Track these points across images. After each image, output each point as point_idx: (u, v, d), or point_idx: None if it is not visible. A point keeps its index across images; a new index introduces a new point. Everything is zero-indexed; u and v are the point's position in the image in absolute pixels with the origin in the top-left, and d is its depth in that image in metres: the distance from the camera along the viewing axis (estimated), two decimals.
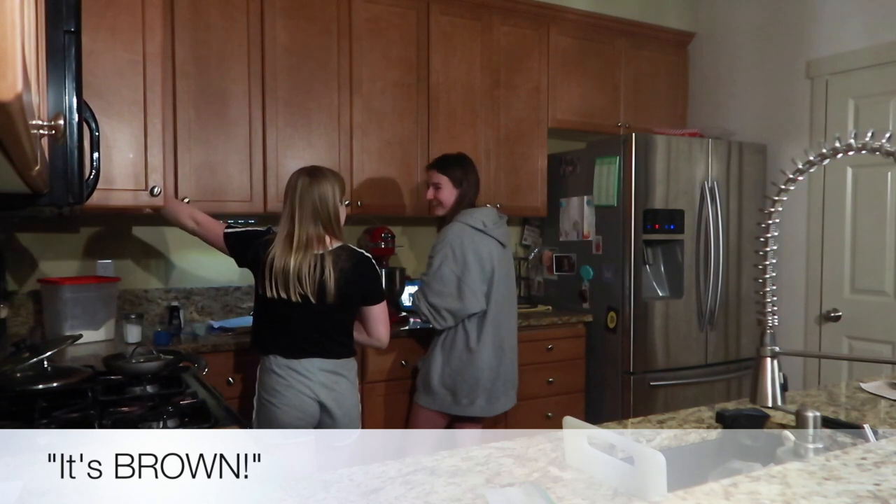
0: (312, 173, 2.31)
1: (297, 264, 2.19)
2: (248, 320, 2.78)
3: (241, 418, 1.61)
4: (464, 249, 2.66)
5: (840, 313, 3.48)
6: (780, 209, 1.18)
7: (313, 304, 2.21)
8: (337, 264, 2.22)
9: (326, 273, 2.20)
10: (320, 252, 2.22)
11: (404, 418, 2.98)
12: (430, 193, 2.82)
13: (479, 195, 2.90)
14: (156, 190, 2.56)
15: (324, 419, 2.29)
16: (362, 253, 2.34)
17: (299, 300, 2.20)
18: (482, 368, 2.71)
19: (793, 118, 3.71)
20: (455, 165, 2.80)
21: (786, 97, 3.75)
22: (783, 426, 1.43)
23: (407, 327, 3.04)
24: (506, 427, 3.26)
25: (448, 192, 2.78)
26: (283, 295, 2.19)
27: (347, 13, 3.13)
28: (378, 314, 2.37)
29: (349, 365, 2.34)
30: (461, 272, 2.66)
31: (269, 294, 2.21)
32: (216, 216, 3.00)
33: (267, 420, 2.24)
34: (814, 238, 3.60)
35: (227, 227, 2.38)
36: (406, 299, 3.23)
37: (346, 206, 3.13)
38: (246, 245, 2.31)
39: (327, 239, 2.26)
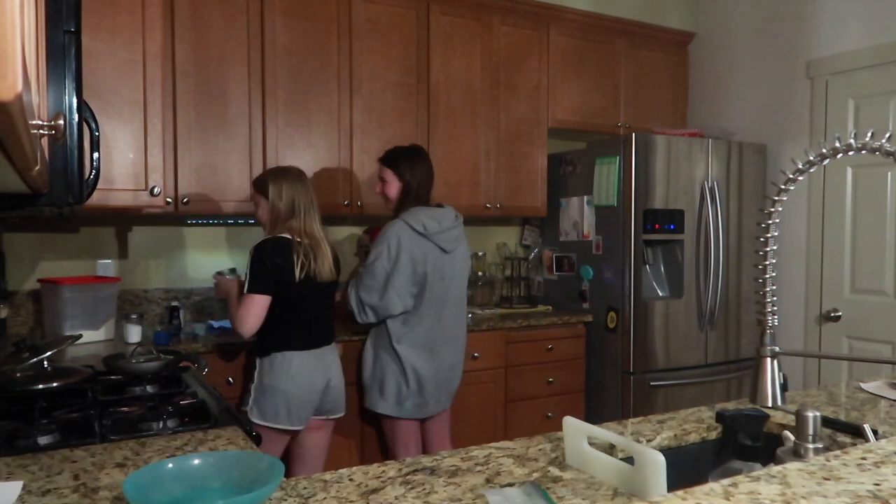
0: (303, 174, 2.51)
1: (325, 251, 2.44)
2: None
3: (242, 418, 1.61)
4: (399, 249, 2.58)
5: (840, 313, 3.48)
6: (780, 209, 1.18)
7: (331, 287, 2.50)
8: (332, 251, 2.52)
9: (332, 258, 2.49)
10: (325, 241, 2.48)
11: None
12: (378, 187, 2.76)
13: (431, 189, 2.77)
14: (156, 190, 2.57)
15: (324, 393, 2.48)
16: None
17: (323, 283, 2.44)
18: (406, 370, 2.62)
19: (793, 118, 3.71)
20: (400, 158, 2.69)
21: (786, 97, 3.75)
22: (783, 426, 1.43)
23: None
24: (505, 427, 3.27)
25: (393, 187, 2.69)
26: (322, 278, 2.42)
27: (347, 13, 3.13)
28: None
29: (336, 345, 2.61)
30: (391, 271, 2.58)
31: (300, 277, 2.35)
32: (216, 216, 3.01)
33: (273, 404, 2.35)
34: (814, 238, 3.60)
35: (249, 290, 2.34)
36: None
37: (346, 205, 3.17)
38: (277, 271, 2.34)
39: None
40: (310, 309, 2.43)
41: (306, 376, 2.39)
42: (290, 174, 2.46)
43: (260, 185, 2.45)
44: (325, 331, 2.51)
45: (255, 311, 2.32)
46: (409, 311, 2.63)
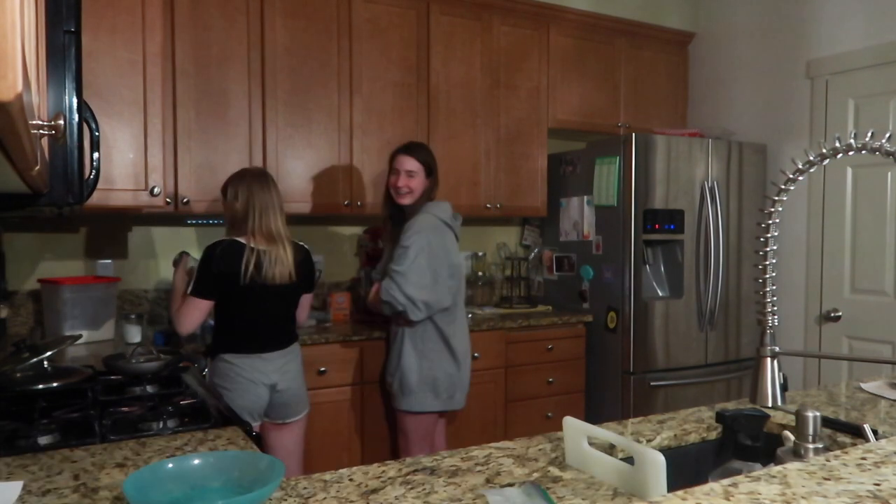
0: (263, 174, 2.49)
1: (281, 254, 2.40)
2: None
3: (242, 418, 1.61)
4: (437, 243, 2.60)
5: (840, 313, 3.48)
6: (780, 209, 1.18)
7: (287, 291, 2.46)
8: (297, 255, 2.47)
9: (292, 261, 2.43)
10: (285, 243, 2.44)
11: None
12: (403, 181, 2.67)
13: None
14: (156, 190, 2.57)
15: (272, 396, 2.45)
16: (304, 245, 2.56)
17: (277, 286, 2.40)
18: (459, 362, 2.69)
19: (793, 118, 3.71)
20: (428, 154, 2.73)
21: (786, 97, 3.75)
22: (783, 426, 1.43)
23: None
24: (505, 427, 3.27)
25: (420, 181, 2.68)
26: (276, 281, 2.38)
27: (347, 13, 3.13)
28: (308, 301, 2.65)
29: (297, 348, 2.56)
30: (436, 265, 2.60)
31: (246, 282, 2.34)
32: (216, 216, 3.01)
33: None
34: (814, 238, 3.60)
35: (192, 292, 2.34)
36: None
37: (346, 205, 3.16)
38: (221, 276, 2.33)
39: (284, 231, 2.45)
40: (258, 313, 2.40)
41: (247, 380, 2.37)
42: (247, 175, 2.45)
43: (223, 188, 2.48)
44: (278, 334, 2.46)
45: (194, 313, 2.33)
46: (451, 305, 2.68)
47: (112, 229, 3.03)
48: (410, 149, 2.71)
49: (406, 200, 2.69)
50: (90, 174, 1.49)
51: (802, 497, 0.62)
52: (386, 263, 2.68)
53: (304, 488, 1.09)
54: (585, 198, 3.63)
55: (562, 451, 1.25)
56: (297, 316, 2.58)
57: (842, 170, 3.46)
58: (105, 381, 1.84)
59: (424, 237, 2.57)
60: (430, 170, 2.70)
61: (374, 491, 1.08)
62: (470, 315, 3.39)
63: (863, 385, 1.77)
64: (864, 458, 0.72)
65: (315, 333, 2.88)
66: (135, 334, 2.70)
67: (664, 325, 3.44)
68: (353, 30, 3.14)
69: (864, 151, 1.09)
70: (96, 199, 2.31)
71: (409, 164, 2.68)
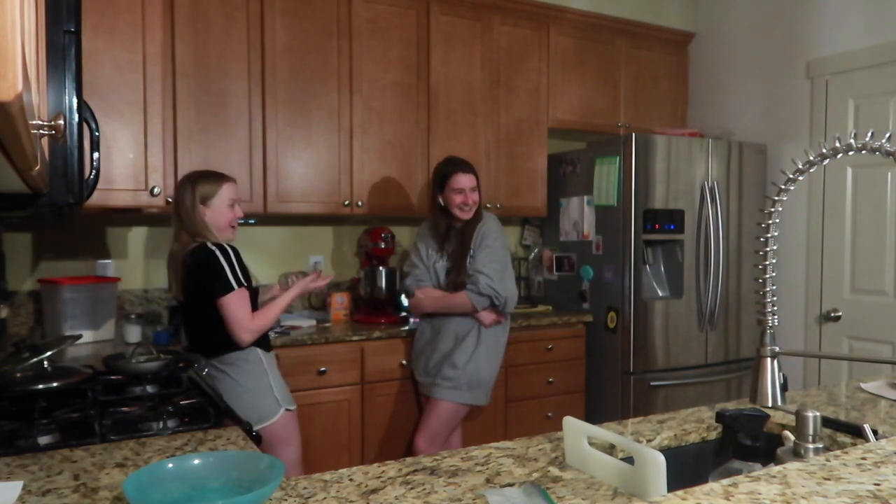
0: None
1: (174, 267, 2.33)
2: None
3: (241, 418, 1.61)
4: (507, 244, 2.87)
5: (840, 313, 3.48)
6: (780, 209, 1.18)
7: (182, 305, 2.38)
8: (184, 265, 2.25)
9: (182, 274, 2.31)
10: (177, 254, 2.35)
11: (407, 417, 2.99)
12: (469, 197, 2.77)
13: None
14: (156, 190, 2.57)
15: None
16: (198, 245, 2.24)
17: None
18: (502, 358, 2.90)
19: (793, 118, 3.71)
20: (474, 167, 2.87)
21: (786, 97, 3.75)
22: (783, 426, 1.43)
23: (407, 327, 3.04)
24: (505, 427, 3.27)
25: (478, 193, 2.84)
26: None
27: (347, 13, 3.13)
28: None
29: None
30: (510, 264, 2.86)
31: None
32: None
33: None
34: (814, 238, 3.60)
35: (239, 285, 2.19)
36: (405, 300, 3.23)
37: (346, 205, 3.16)
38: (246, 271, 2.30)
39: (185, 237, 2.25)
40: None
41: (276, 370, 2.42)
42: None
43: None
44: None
45: (249, 313, 2.29)
46: None
47: (112, 229, 3.03)
48: (464, 166, 2.83)
49: (470, 215, 2.81)
50: (90, 174, 1.50)
51: (802, 497, 0.62)
52: (457, 267, 2.76)
53: (304, 488, 1.09)
54: (585, 198, 3.63)
55: (562, 451, 1.25)
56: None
57: (842, 170, 3.45)
58: (105, 381, 1.84)
59: (502, 238, 2.82)
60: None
61: (374, 491, 1.08)
62: None
63: (863, 385, 1.77)
64: (864, 458, 0.72)
65: (315, 333, 2.88)
66: (135, 334, 2.70)
67: (664, 325, 3.44)
68: (353, 30, 3.14)
69: (864, 151, 1.09)
70: (96, 199, 2.31)
71: (470, 181, 2.80)
